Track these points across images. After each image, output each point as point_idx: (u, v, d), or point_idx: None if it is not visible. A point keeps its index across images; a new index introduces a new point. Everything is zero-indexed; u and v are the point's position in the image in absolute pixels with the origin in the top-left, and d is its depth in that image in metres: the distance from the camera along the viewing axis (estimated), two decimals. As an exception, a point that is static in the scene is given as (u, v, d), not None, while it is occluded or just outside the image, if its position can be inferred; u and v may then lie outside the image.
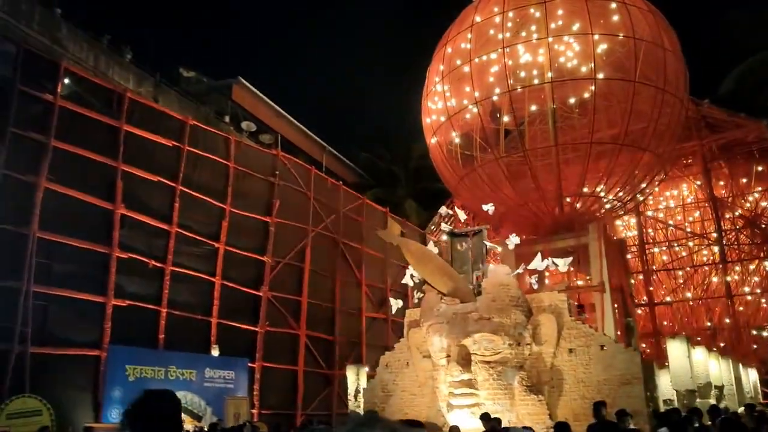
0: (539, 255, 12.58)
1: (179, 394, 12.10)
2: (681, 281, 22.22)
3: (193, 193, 16.31)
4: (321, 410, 19.14)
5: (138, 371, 13.90)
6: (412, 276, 14.20)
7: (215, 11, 62.38)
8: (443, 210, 14.19)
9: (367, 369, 18.54)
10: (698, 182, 22.98)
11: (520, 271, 12.84)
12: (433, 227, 27.75)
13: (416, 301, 15.17)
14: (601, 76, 17.64)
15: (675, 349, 12.95)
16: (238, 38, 63.32)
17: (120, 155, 14.33)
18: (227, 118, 24.08)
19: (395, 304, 14.82)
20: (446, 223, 21.51)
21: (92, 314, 13.41)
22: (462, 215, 13.98)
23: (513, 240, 13.01)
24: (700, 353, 14.14)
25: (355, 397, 17.77)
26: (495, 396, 11.52)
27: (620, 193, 18.22)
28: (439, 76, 19.55)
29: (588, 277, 18.50)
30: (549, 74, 18.30)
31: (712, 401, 13.65)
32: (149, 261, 14.79)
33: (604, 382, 11.54)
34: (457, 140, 19.66)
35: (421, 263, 12.66)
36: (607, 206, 18.23)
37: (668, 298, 22.53)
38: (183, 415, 14.99)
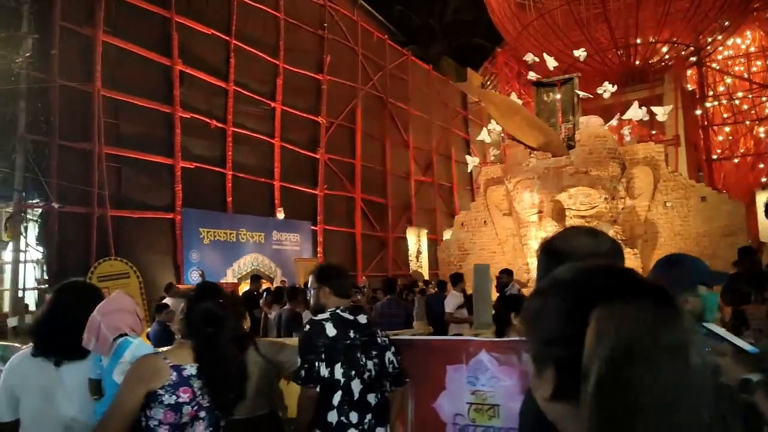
0: (636, 104, 11.86)
1: (251, 257, 11.94)
2: (742, 135, 21.49)
3: (247, 48, 15.28)
4: (378, 272, 19.26)
5: (211, 234, 13.70)
6: (489, 131, 13.60)
7: None
8: (529, 57, 13.20)
9: (426, 231, 18.48)
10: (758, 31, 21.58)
11: (614, 122, 12.18)
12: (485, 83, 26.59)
13: (492, 158, 14.70)
14: None
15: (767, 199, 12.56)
16: None
17: (172, 4, 13.20)
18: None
19: (471, 161, 14.31)
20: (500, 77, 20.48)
21: (162, 177, 13.00)
22: (552, 62, 12.96)
23: (609, 88, 12.20)
24: (782, 206, 13.81)
25: (417, 257, 17.85)
26: (590, 250, 11.29)
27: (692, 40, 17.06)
28: None
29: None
30: None
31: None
32: (210, 121, 14.11)
33: (704, 234, 11.27)
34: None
35: (507, 116, 11.99)
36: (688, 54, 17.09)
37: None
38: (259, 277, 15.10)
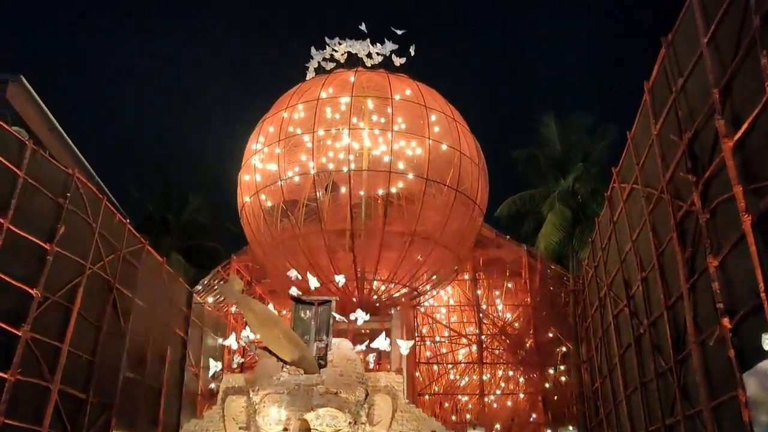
0: (383, 334, 12.80)
1: None
2: (440, 375, 24.23)
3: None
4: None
5: None
6: (239, 340, 13.23)
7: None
8: (292, 273, 13.63)
9: (133, 437, 16.30)
10: (456, 289, 25.90)
11: (362, 347, 12.85)
12: (200, 287, 26.19)
13: (234, 366, 14.04)
14: (410, 176, 19.38)
15: (475, 439, 14.00)
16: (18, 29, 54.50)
17: None
18: (-7, 117, 20.26)
19: (213, 366, 13.50)
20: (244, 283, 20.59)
21: None
22: (314, 282, 13.57)
23: (361, 315, 13.04)
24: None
25: (120, 470, 15.40)
26: (329, 476, 11.07)
27: (418, 285, 19.61)
28: (265, 136, 19.37)
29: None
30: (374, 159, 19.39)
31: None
32: None
33: (432, 467, 11.92)
34: (269, 203, 19.37)
35: (266, 327, 11.91)
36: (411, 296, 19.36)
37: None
38: None
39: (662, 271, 12.16)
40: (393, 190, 19.93)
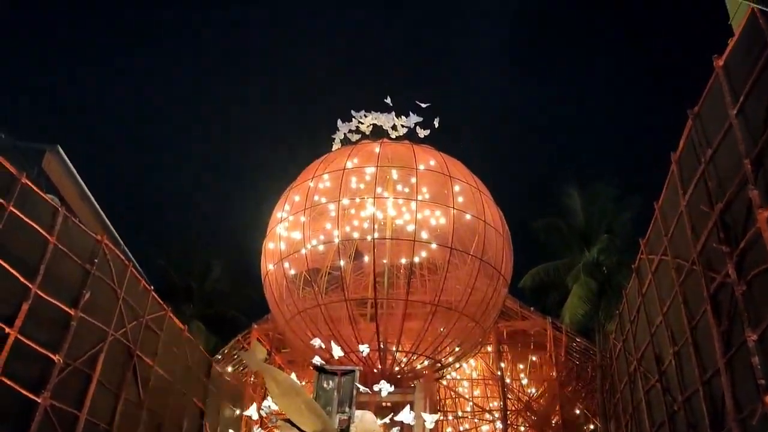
0: (408, 407, 12.45)
1: None
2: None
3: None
4: None
5: None
6: (260, 410, 12.96)
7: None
8: (316, 341, 13.48)
9: None
10: (480, 362, 25.32)
11: (386, 421, 12.50)
12: (219, 356, 25.95)
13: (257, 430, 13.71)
14: (434, 245, 19.35)
15: None
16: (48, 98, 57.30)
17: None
18: (29, 185, 20.78)
19: (233, 437, 13.16)
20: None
21: None
22: (338, 351, 13.38)
23: (385, 387, 12.75)
24: None
25: None
26: None
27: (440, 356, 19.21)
28: (291, 204, 19.59)
29: None
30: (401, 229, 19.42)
31: None
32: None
33: None
34: (292, 271, 19.36)
35: (288, 396, 11.62)
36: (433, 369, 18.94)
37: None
38: None
39: (696, 345, 11.78)
40: (416, 259, 19.88)
